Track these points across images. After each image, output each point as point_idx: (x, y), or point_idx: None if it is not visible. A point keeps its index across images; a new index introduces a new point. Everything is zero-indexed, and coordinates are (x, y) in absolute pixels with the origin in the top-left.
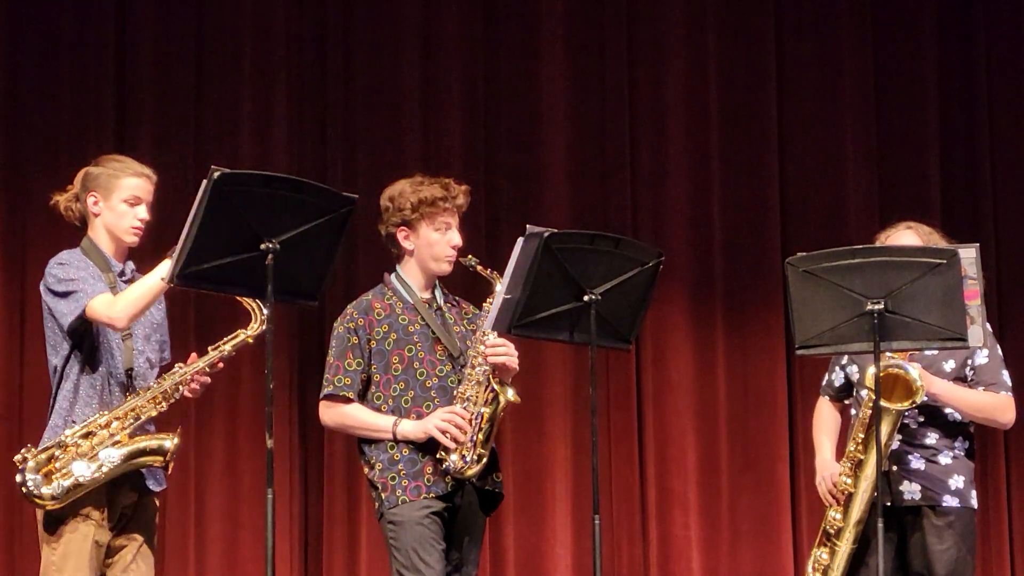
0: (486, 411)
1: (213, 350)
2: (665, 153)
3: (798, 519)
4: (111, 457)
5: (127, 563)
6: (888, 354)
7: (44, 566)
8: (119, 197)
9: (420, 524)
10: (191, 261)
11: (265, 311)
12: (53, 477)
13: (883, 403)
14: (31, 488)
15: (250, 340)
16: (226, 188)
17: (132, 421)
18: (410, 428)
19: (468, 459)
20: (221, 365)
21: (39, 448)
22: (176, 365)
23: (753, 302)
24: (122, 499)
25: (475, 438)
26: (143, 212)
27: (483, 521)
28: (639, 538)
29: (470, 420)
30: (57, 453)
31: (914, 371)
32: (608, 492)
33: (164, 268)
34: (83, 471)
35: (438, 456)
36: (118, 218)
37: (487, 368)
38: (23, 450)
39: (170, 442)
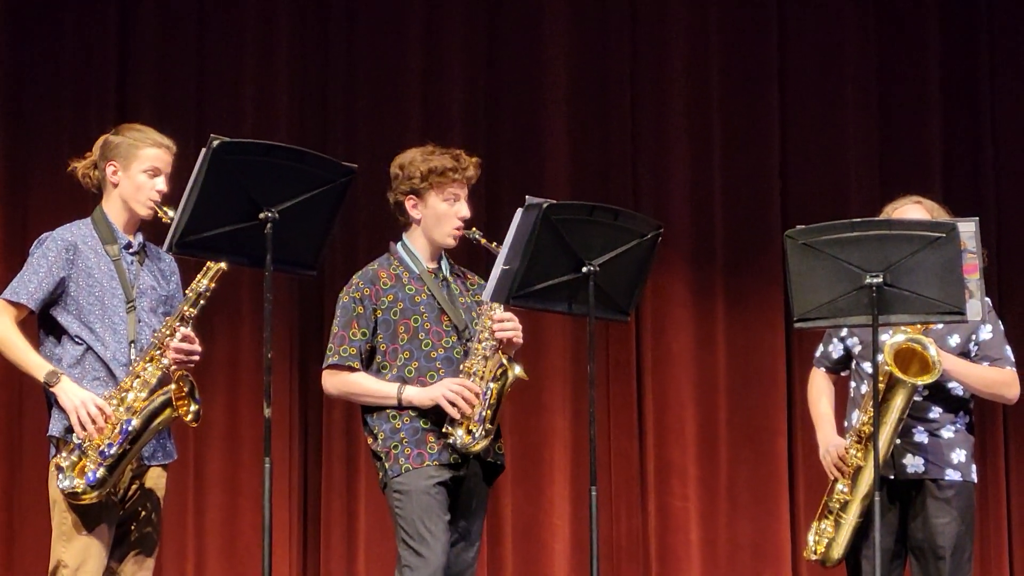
0: (495, 386)
1: (190, 291)
2: (666, 125)
3: (796, 491)
4: (129, 427)
5: (132, 550)
6: (905, 328)
7: (55, 536)
8: (139, 168)
9: (427, 494)
10: (189, 229)
11: None
12: (87, 470)
13: (902, 376)
14: (71, 490)
15: (224, 266)
16: (225, 157)
17: (142, 386)
18: (415, 394)
19: (476, 435)
20: (203, 303)
21: (67, 448)
22: (166, 319)
23: (753, 275)
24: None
25: (484, 414)
26: (161, 184)
27: (486, 492)
28: (637, 509)
29: (478, 394)
30: (85, 446)
31: (933, 348)
32: (607, 463)
33: (42, 372)
34: (111, 452)
35: (444, 431)
36: (136, 189)
37: (494, 343)
38: (55, 457)
39: (171, 392)
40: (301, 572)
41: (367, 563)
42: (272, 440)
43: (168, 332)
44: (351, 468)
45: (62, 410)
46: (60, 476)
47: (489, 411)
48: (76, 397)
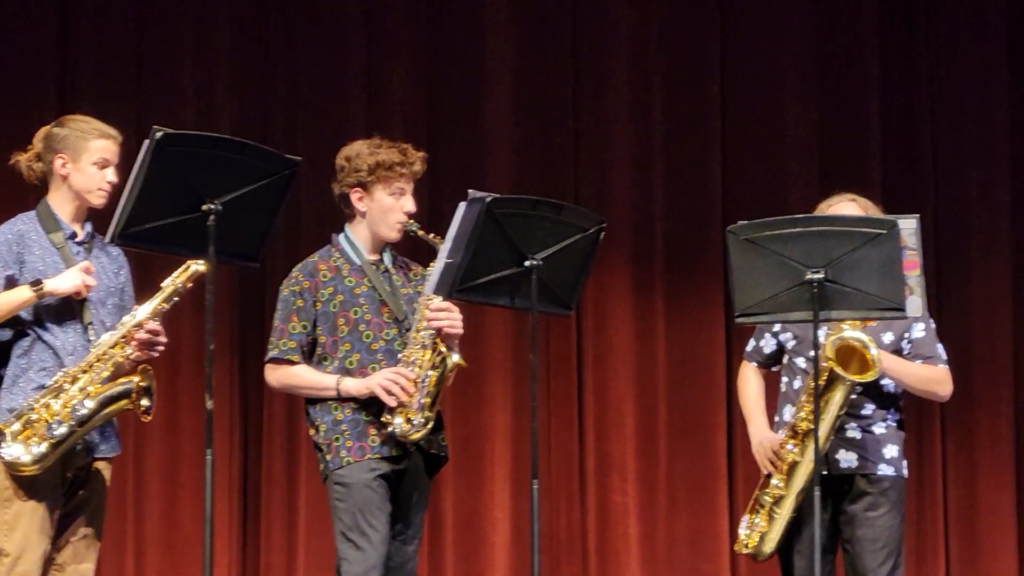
0: (433, 374)
1: (166, 285)
2: (608, 122)
3: (734, 486)
4: (83, 409)
5: (75, 542)
6: (845, 325)
7: None
8: (88, 160)
9: (368, 487)
10: (132, 221)
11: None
12: (30, 441)
13: (843, 373)
14: (9, 459)
15: (203, 268)
16: (168, 148)
17: (101, 370)
18: (353, 385)
19: (415, 423)
20: (176, 299)
21: (12, 416)
22: (135, 307)
23: (694, 271)
24: (75, 461)
25: (422, 401)
26: (111, 175)
27: (428, 485)
28: (577, 503)
29: (416, 382)
30: (32, 417)
31: (873, 347)
32: (547, 457)
33: (26, 291)
34: (58, 430)
35: (383, 419)
36: (87, 180)
37: (433, 332)
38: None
39: (134, 383)
40: (240, 564)
41: (307, 555)
42: (212, 432)
43: (134, 323)
44: (291, 460)
45: (11, 393)
46: (3, 443)
47: (428, 399)
48: (69, 276)
